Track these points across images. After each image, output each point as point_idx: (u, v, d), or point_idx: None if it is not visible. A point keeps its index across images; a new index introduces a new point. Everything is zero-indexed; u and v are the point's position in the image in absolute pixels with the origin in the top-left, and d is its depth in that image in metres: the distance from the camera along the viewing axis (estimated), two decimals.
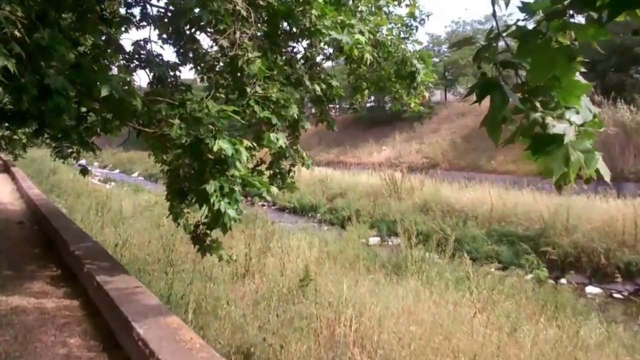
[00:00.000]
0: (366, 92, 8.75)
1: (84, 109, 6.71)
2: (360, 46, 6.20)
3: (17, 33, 4.42)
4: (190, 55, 8.70)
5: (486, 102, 2.49)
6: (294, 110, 6.04)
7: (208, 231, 6.03)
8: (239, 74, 5.70)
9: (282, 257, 13.57)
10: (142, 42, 7.80)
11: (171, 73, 7.82)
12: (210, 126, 5.12)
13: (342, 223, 23.01)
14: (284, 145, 5.81)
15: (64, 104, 5.37)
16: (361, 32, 6.13)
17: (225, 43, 5.85)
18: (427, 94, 8.53)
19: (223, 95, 5.62)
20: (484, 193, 21.94)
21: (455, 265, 12.87)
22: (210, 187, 5.08)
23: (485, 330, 7.92)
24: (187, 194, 5.92)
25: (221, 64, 6.41)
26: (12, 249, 9.44)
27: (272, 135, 5.55)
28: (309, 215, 25.73)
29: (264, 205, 26.98)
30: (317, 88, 6.85)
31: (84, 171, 10.20)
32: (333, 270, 12.67)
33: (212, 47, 7.60)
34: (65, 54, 5.51)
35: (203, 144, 5.08)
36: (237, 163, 5.19)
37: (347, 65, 8.08)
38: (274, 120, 5.56)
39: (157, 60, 7.71)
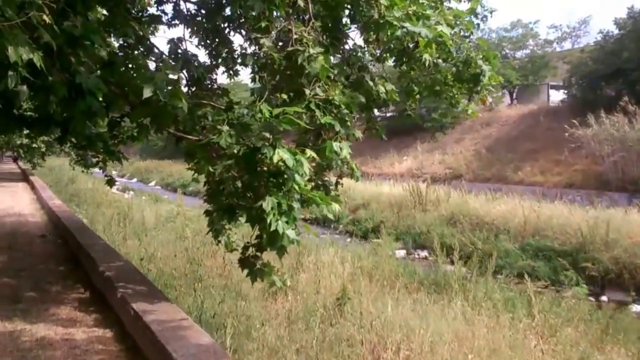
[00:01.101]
0: (417, 97, 8.02)
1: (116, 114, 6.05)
2: (441, 39, 5.45)
3: (45, 18, 3.71)
4: (223, 56, 8.10)
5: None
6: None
7: (259, 253, 5.33)
8: (296, 74, 5.01)
9: (317, 274, 13.05)
10: (176, 41, 7.17)
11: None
12: (266, 133, 4.43)
13: (365, 235, 22.59)
14: (348, 156, 5.08)
15: (97, 106, 4.73)
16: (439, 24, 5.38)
17: (266, 42, 5.25)
18: (490, 99, 7.78)
19: (284, 96, 4.86)
20: (514, 205, 21.24)
21: (499, 283, 12.11)
22: (267, 204, 4.36)
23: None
24: (236, 211, 5.23)
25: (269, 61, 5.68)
26: (35, 266, 8.73)
27: (335, 145, 4.82)
28: (331, 226, 24.97)
29: None
30: (383, 90, 6.14)
31: (111, 182, 9.66)
32: (369, 287, 12.07)
33: (249, 44, 7.02)
34: (100, 48, 4.87)
35: (259, 154, 4.40)
36: (297, 176, 4.48)
37: (396, 67, 7.39)
38: (337, 127, 4.83)
39: (194, 61, 7.09)
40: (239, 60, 8.23)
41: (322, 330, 7.87)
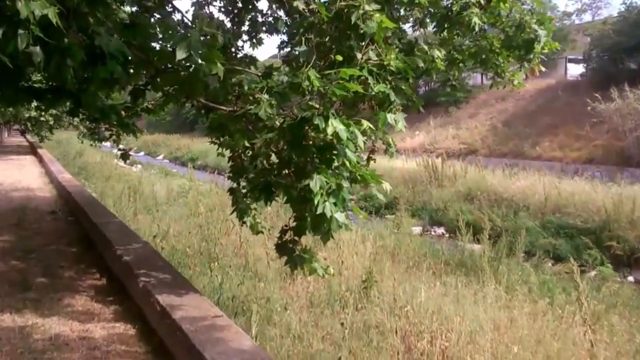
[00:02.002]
0: (461, 66, 7.35)
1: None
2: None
3: None
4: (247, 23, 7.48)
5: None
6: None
7: (297, 238, 4.74)
8: (345, 35, 4.36)
9: (339, 254, 12.61)
10: (202, 1, 6.54)
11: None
12: (314, 103, 3.82)
13: (377, 211, 21.79)
14: (404, 129, 4.44)
15: (119, 72, 4.10)
16: None
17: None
18: (542, 68, 7.09)
19: (339, 57, 4.17)
20: (534, 181, 20.62)
21: (532, 264, 11.52)
22: (315, 183, 3.77)
23: (606, 354, 6.64)
24: (274, 190, 4.62)
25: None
26: (46, 247, 8.13)
27: (389, 116, 4.19)
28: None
29: None
30: (438, 54, 5.48)
31: (125, 156, 9.10)
32: (394, 268, 11.55)
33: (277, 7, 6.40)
34: (120, 9, 4.27)
35: (308, 125, 3.79)
36: (348, 151, 3.88)
37: (437, 34, 6.75)
38: (392, 97, 4.19)
39: (220, 26, 6.44)
40: (264, 28, 7.67)
41: (348, 315, 7.21)
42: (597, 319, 8.06)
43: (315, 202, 3.79)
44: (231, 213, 6.53)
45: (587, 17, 55.37)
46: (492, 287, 8.58)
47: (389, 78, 4.37)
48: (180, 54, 3.71)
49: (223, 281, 9.84)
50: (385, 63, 4.28)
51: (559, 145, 31.07)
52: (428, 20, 6.75)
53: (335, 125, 3.68)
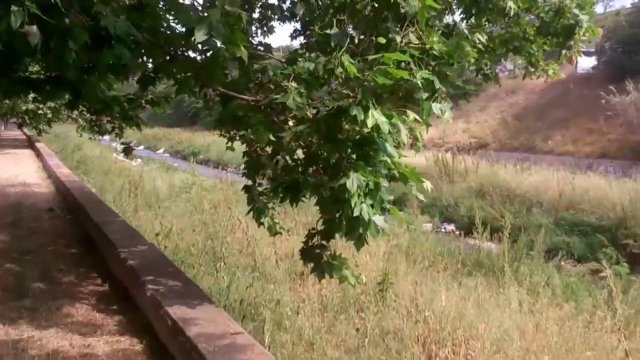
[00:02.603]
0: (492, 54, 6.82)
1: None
2: None
3: None
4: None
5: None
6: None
7: (325, 242, 4.22)
8: (381, 16, 3.86)
9: (352, 254, 12.17)
10: None
11: None
12: (349, 91, 3.34)
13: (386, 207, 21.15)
14: (450, 120, 3.93)
15: (127, 57, 3.60)
16: None
17: None
18: (581, 56, 6.58)
19: (381, 40, 3.65)
20: (547, 176, 20.11)
21: (554, 265, 11.04)
22: (352, 182, 3.28)
23: None
24: (302, 190, 4.11)
25: None
26: (43, 248, 7.59)
27: (434, 106, 3.67)
28: None
29: None
30: (480, 38, 4.95)
31: (128, 150, 8.61)
32: (409, 269, 11.09)
33: None
34: None
35: (345, 117, 3.29)
36: (388, 146, 3.38)
37: (464, 20, 6.22)
38: (437, 84, 3.68)
39: None
40: (276, 16, 7.21)
41: (363, 320, 7.05)
42: (627, 324, 7.58)
43: (352, 204, 3.30)
44: (247, 213, 6.07)
45: (598, 9, 54.76)
46: (515, 290, 8.09)
47: (432, 63, 3.85)
48: (200, 36, 3.20)
49: (230, 283, 9.42)
50: (427, 47, 3.77)
51: (572, 139, 30.63)
52: (455, 7, 6.23)
53: (376, 117, 3.19)
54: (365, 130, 3.34)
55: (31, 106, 24.22)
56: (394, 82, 3.36)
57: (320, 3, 5.84)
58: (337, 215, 3.64)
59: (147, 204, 16.15)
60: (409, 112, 3.45)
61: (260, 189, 6.22)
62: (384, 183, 3.58)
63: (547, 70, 6.70)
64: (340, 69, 3.54)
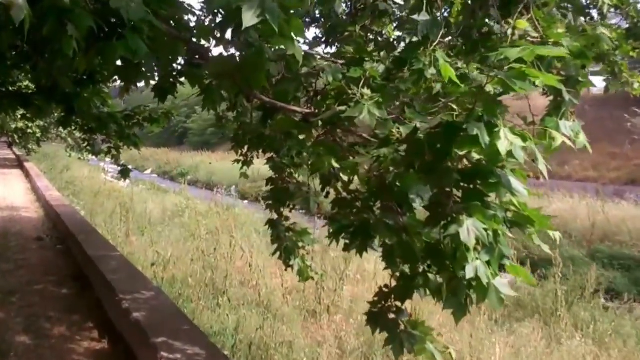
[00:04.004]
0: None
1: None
2: None
3: None
4: None
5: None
6: None
7: (400, 304, 3.16)
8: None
9: (367, 287, 11.34)
10: None
11: None
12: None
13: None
14: (586, 144, 2.90)
15: (144, 51, 2.66)
16: None
17: None
18: None
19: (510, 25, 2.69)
20: (572, 204, 19.14)
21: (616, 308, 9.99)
22: (468, 233, 2.27)
23: None
24: (374, 234, 3.08)
25: None
26: (30, 287, 6.48)
27: (563, 125, 2.71)
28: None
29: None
30: (609, 35, 3.94)
31: (125, 172, 7.66)
32: (436, 307, 10.18)
33: None
34: None
35: (459, 136, 2.29)
36: (513, 180, 2.38)
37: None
38: (565, 95, 2.71)
39: None
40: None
41: None
42: None
43: (470, 261, 2.30)
44: (273, 253, 5.11)
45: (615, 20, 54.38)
46: (578, 340, 7.07)
47: (557, 65, 2.88)
48: (250, 18, 2.24)
49: (238, 324, 8.50)
50: (551, 40, 2.81)
51: (592, 165, 29.58)
52: None
53: (510, 139, 2.19)
54: (475, 157, 2.39)
55: (20, 124, 23.36)
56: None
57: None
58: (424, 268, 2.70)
59: (139, 229, 15.28)
60: (553, 132, 2.45)
61: (286, 223, 5.31)
62: (505, 231, 2.54)
63: (632, 84, 5.72)
64: (432, 70, 2.60)
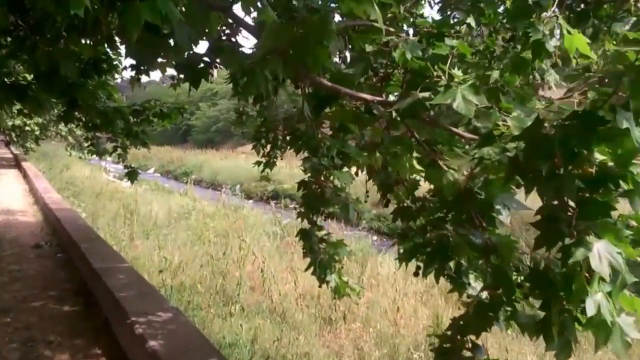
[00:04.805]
0: None
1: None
2: None
3: None
4: None
5: None
6: None
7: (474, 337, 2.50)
8: None
9: (383, 292, 10.83)
10: None
11: None
12: None
13: (392, 232, 19.46)
14: None
15: (175, 16, 2.03)
16: None
17: None
18: None
19: None
20: None
21: None
22: (600, 260, 1.69)
23: None
24: (454, 255, 2.37)
25: None
26: (27, 304, 5.67)
27: None
28: (351, 222, 22.32)
29: (295, 208, 23.57)
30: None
31: (132, 175, 6.99)
32: (452, 312, 9.71)
33: None
34: None
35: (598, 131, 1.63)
36: None
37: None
38: None
39: None
40: None
41: None
42: None
43: (590, 293, 1.66)
44: (306, 269, 4.46)
45: None
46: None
47: None
48: None
49: (255, 336, 7.95)
50: None
51: None
52: None
53: None
54: (599, 157, 1.77)
55: (18, 121, 22.66)
56: None
57: None
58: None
59: (143, 232, 14.68)
60: None
61: (320, 233, 4.67)
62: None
63: None
64: (553, 42, 1.94)
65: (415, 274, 2.56)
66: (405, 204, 2.95)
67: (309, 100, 2.67)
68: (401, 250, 2.63)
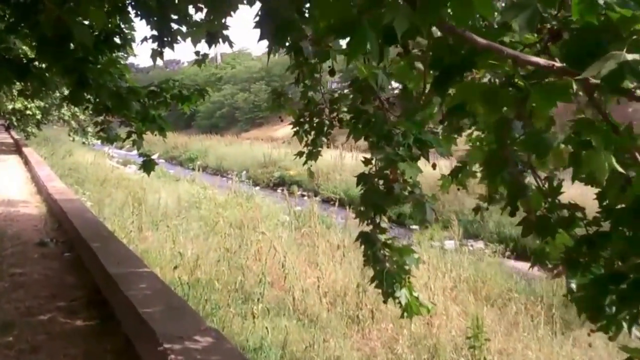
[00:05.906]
0: None
1: None
2: None
3: None
4: None
5: None
6: None
7: None
8: None
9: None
10: None
11: None
12: None
13: (400, 221, 19.42)
14: None
15: None
16: None
17: None
18: None
19: None
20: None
21: None
22: None
23: None
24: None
25: None
26: (32, 317, 4.74)
27: None
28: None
29: (303, 196, 23.09)
30: None
31: (148, 165, 6.21)
32: (485, 311, 9.39)
33: None
34: None
35: None
36: None
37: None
38: None
39: None
40: None
41: None
42: None
43: None
44: (370, 282, 3.71)
45: None
46: None
47: None
48: None
49: (285, 344, 7.31)
50: None
51: None
52: None
53: None
54: None
55: (18, 105, 21.82)
56: None
57: None
58: None
59: (152, 222, 13.98)
60: None
61: (383, 237, 3.92)
62: None
63: None
64: None
65: (601, 329, 1.78)
66: (541, 213, 2.17)
67: (432, 68, 1.88)
68: (572, 284, 1.85)
